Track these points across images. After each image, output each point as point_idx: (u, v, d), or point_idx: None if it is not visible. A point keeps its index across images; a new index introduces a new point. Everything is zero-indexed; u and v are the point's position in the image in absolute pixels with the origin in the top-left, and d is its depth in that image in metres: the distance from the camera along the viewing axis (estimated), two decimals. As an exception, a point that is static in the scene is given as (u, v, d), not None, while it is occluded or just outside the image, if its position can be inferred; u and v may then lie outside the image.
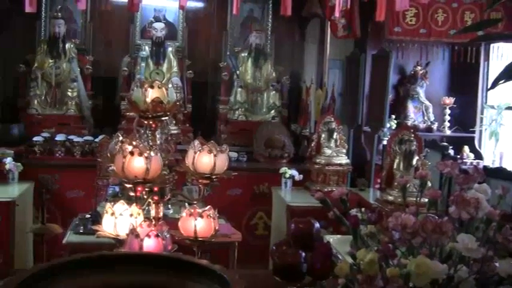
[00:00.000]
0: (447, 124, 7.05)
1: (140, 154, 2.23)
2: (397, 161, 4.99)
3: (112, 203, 2.49)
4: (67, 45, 6.85)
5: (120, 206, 2.44)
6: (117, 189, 4.75)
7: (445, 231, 1.50)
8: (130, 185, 2.27)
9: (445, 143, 6.36)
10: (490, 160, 6.73)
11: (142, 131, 2.50)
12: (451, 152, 6.20)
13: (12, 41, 6.94)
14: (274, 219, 6.22)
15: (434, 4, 6.37)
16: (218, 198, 5.11)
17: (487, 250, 1.53)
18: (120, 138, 2.50)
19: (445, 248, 1.56)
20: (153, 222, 2.37)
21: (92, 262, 1.60)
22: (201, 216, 2.41)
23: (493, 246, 1.57)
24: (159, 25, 7.02)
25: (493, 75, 6.53)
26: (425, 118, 7.10)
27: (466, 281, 1.53)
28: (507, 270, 1.53)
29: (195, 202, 2.62)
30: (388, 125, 6.54)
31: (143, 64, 6.93)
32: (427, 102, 7.10)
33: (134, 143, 2.30)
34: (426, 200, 1.80)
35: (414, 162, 4.90)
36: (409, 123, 6.79)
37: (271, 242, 5.97)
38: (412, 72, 7.08)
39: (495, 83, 2.13)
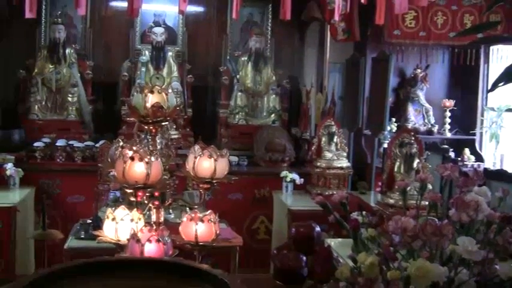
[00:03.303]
0: (448, 127, 7.05)
1: (141, 159, 2.23)
2: (397, 164, 4.99)
3: (113, 208, 2.49)
4: (67, 51, 6.85)
5: (121, 211, 2.44)
6: (118, 194, 4.75)
7: (445, 234, 1.50)
8: (131, 190, 2.27)
9: (446, 146, 6.36)
10: (490, 162, 6.73)
11: (143, 136, 2.51)
12: (452, 154, 6.21)
13: (12, 47, 6.95)
14: (275, 223, 6.21)
15: (434, 7, 6.37)
16: (219, 203, 5.15)
17: (487, 252, 1.54)
18: (121, 143, 2.50)
19: (446, 250, 1.56)
20: (154, 227, 2.37)
21: (92, 267, 1.60)
22: (201, 220, 2.42)
23: (494, 248, 1.57)
24: (158, 30, 7.03)
25: (492, 77, 6.53)
26: (426, 121, 7.10)
27: (466, 283, 1.53)
28: (508, 272, 1.53)
29: (196, 207, 2.62)
30: (388, 128, 6.54)
31: (143, 69, 6.94)
32: (427, 105, 7.11)
33: (134, 148, 2.30)
34: (426, 203, 1.80)
35: (415, 165, 4.90)
36: (410, 126, 6.78)
37: (272, 246, 5.96)
38: (412, 75, 7.08)
39: (495, 85, 2.13)
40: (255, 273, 5.20)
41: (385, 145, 5.99)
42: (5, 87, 6.94)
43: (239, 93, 7.12)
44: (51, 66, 6.79)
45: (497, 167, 6.30)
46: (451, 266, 1.56)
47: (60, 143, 6.31)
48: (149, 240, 2.22)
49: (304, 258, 2.17)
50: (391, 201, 4.84)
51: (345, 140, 6.21)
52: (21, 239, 5.34)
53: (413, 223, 1.52)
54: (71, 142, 6.36)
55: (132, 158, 2.23)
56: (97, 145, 6.16)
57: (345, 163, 6.03)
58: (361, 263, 1.59)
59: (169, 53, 7.11)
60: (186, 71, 7.20)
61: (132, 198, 2.32)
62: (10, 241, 5.28)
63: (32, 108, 6.72)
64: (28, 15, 4.87)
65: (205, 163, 2.45)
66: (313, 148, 6.17)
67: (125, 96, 6.60)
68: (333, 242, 3.90)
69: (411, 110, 7.08)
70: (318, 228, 2.30)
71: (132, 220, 2.40)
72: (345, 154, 6.09)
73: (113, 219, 2.41)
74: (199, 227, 2.41)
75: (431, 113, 7.11)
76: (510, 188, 3.57)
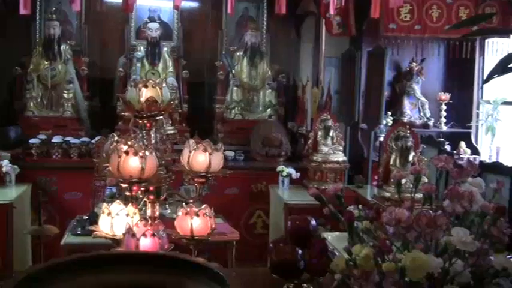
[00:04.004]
0: (443, 120, 7.06)
1: (135, 153, 2.23)
2: (393, 157, 5.00)
3: (108, 204, 2.49)
4: (62, 47, 6.84)
5: (117, 206, 2.44)
6: (114, 190, 4.75)
7: (439, 225, 1.50)
8: (126, 185, 2.27)
9: (442, 139, 6.37)
10: (486, 155, 6.73)
11: (138, 131, 2.50)
12: (448, 147, 6.21)
13: (7, 44, 6.93)
14: (272, 218, 6.22)
15: (429, 0, 6.37)
16: (216, 198, 5.16)
17: (482, 243, 1.54)
18: (116, 138, 2.49)
19: (440, 241, 1.56)
20: (150, 222, 2.37)
21: (88, 262, 1.60)
22: (197, 215, 2.41)
23: (488, 239, 1.57)
24: (154, 25, 7.02)
25: (488, 70, 6.52)
26: (422, 114, 7.10)
27: (461, 274, 1.53)
28: (502, 263, 1.53)
29: (191, 201, 2.62)
30: (384, 122, 6.55)
31: (139, 65, 6.92)
32: (423, 99, 7.11)
33: (129, 142, 2.29)
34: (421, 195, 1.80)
35: (411, 158, 4.91)
36: (406, 119, 6.79)
37: (269, 240, 5.97)
38: (408, 69, 7.09)
39: (490, 77, 2.13)
40: (253, 267, 5.20)
41: (381, 139, 6.00)
42: (1, 84, 6.92)
43: (235, 88, 7.12)
44: (46, 62, 6.78)
45: (493, 160, 6.30)
46: (446, 257, 1.56)
47: (56, 139, 6.30)
48: (144, 235, 2.22)
49: (301, 251, 2.16)
50: (387, 194, 4.85)
51: (341, 134, 6.22)
52: (18, 236, 5.34)
53: (407, 214, 1.52)
54: (67, 138, 6.36)
55: (126, 152, 2.23)
56: (93, 141, 6.16)
57: (341, 157, 6.04)
58: (356, 255, 1.59)
59: (165, 49, 7.11)
60: (181, 66, 7.20)
61: (127, 193, 2.32)
62: (7, 238, 5.28)
63: (27, 105, 6.71)
64: (23, 11, 4.87)
65: (200, 157, 2.45)
66: (309, 142, 6.17)
67: (121, 92, 6.58)
68: (329, 236, 3.91)
69: (407, 103, 7.09)
70: (313, 222, 2.30)
71: (127, 215, 2.39)
72: (341, 148, 6.10)
73: (108, 214, 2.41)
74: (195, 221, 2.40)
75: (427, 106, 7.12)
76: (505, 180, 3.57)
